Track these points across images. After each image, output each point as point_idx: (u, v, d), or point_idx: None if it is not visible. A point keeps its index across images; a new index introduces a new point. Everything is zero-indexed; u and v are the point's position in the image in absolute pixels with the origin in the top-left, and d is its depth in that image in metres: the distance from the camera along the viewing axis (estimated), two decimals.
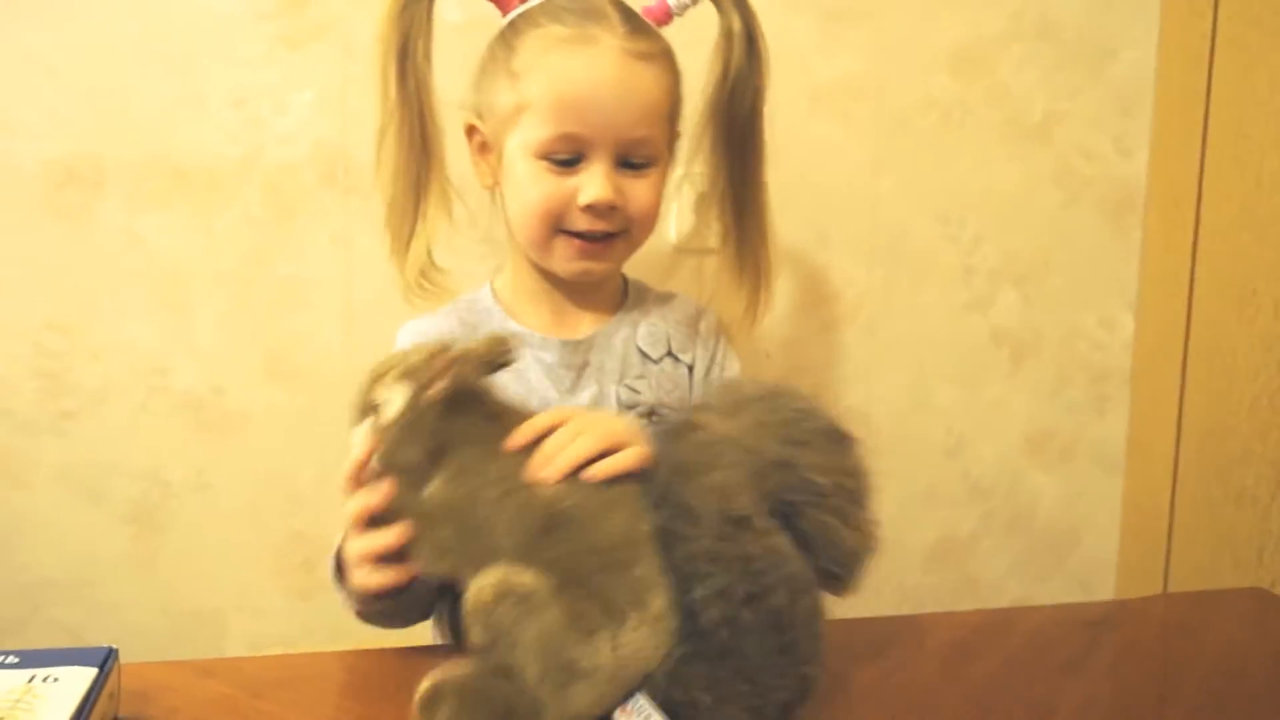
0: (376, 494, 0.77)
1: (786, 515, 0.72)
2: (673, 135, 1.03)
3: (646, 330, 1.06)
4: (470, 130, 1.03)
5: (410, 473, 0.76)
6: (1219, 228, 1.41)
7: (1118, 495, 1.54)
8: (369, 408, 0.79)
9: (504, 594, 0.71)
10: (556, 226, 0.97)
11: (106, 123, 1.27)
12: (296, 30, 1.29)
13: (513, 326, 1.01)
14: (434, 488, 0.75)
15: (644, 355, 1.05)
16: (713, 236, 1.12)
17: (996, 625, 0.92)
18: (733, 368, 1.09)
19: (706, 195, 1.10)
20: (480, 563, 0.73)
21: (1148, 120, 1.45)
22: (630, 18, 0.98)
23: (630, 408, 1.02)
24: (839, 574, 0.73)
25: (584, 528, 0.73)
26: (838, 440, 0.74)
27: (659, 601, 0.71)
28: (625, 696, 0.72)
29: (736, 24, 1.02)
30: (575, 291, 1.04)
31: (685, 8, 1.03)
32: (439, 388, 0.75)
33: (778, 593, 0.70)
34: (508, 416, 0.78)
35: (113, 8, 1.25)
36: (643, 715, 0.71)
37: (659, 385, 1.04)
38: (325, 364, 1.34)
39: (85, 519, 1.33)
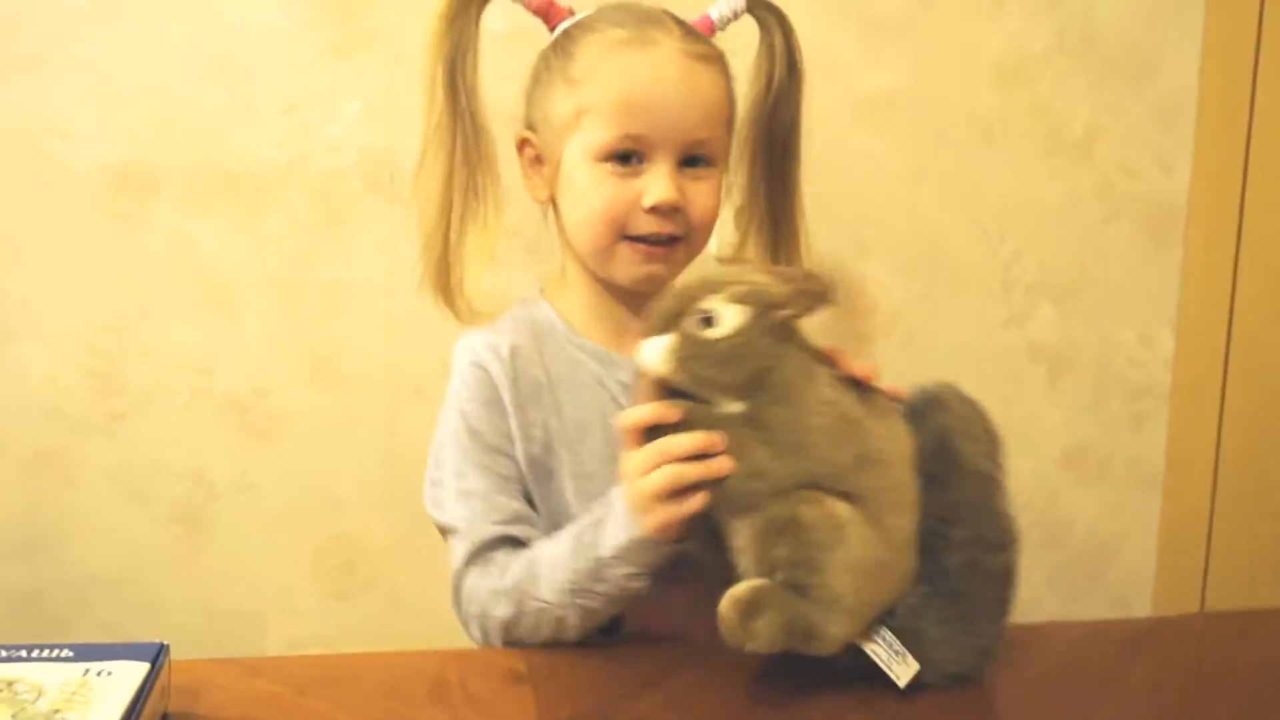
0: (672, 410, 0.79)
1: None
2: (729, 141, 1.04)
3: None
4: (522, 144, 1.01)
5: (728, 390, 0.79)
6: (1261, 245, 1.40)
7: (1155, 512, 1.54)
8: (683, 317, 0.79)
9: (823, 517, 0.77)
10: (620, 232, 0.95)
11: (160, 128, 1.30)
12: (345, 40, 1.31)
13: (580, 343, 1.01)
14: (754, 408, 0.79)
15: None
16: (750, 247, 1.12)
17: (1032, 640, 0.91)
18: None
19: (745, 207, 1.11)
20: (792, 485, 0.78)
21: (1190, 137, 1.45)
22: (685, 24, 0.99)
23: None
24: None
25: (883, 465, 0.79)
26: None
27: (912, 550, 0.81)
28: (872, 629, 0.80)
29: (778, 39, 1.02)
30: (634, 307, 1.02)
31: (728, 21, 1.04)
32: (786, 314, 0.78)
33: (1010, 550, 0.82)
34: (815, 350, 0.81)
35: (166, 17, 1.28)
36: (886, 643, 0.80)
37: None
38: (368, 368, 1.36)
39: (132, 519, 1.35)
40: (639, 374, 0.82)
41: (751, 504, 0.79)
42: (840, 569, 0.76)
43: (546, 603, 0.87)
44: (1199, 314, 1.46)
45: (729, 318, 0.78)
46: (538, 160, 1.01)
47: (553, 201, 1.02)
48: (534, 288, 1.08)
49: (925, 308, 1.45)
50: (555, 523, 0.94)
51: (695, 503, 0.79)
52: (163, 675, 0.72)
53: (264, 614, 1.39)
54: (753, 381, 0.79)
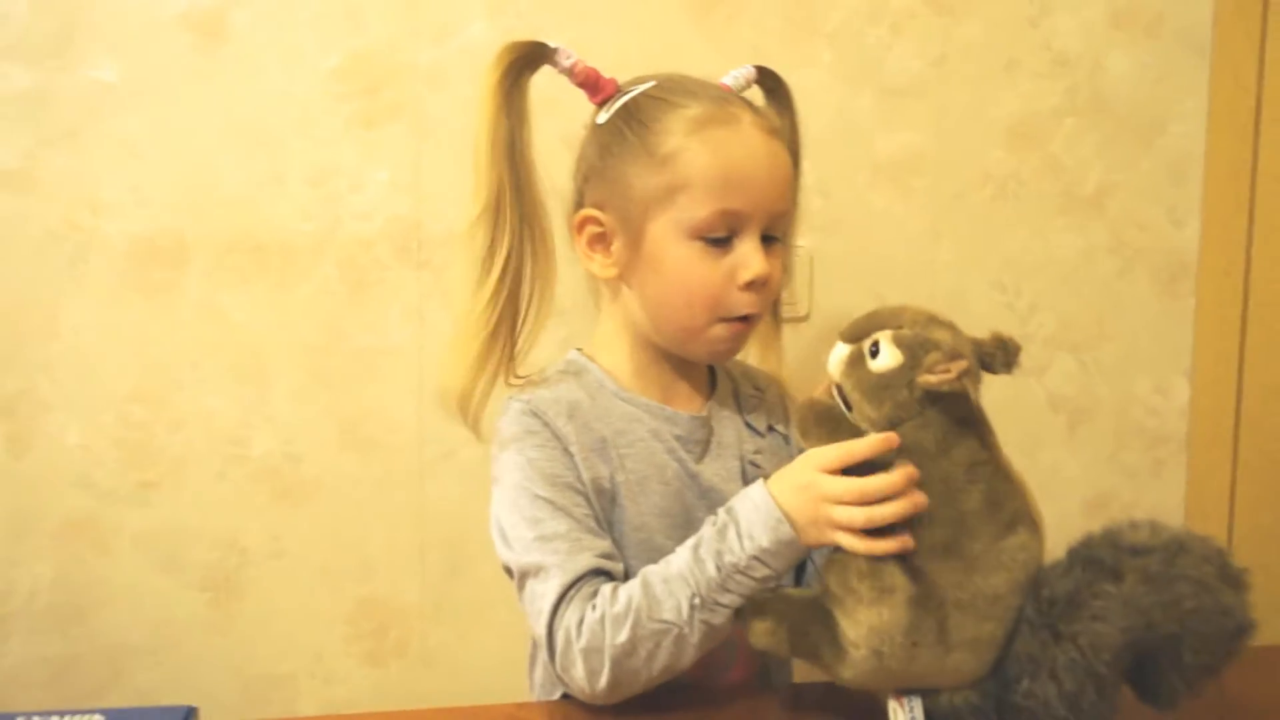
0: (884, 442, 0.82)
1: (1143, 657, 0.80)
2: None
3: (749, 404, 1.08)
4: (584, 222, 1.00)
5: (869, 423, 0.82)
6: (1268, 295, 1.43)
7: None
8: (860, 337, 0.83)
9: (873, 574, 0.78)
10: (716, 313, 0.96)
11: (189, 200, 1.32)
12: (372, 111, 1.33)
13: (632, 398, 1.01)
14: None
15: (753, 429, 1.07)
16: None
17: None
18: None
19: None
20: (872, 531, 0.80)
21: (1198, 191, 1.48)
22: (748, 102, 1.01)
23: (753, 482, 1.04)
24: (1157, 710, 0.82)
25: (973, 568, 0.79)
26: (1230, 639, 0.79)
27: (988, 656, 0.80)
28: (908, 691, 0.81)
29: (784, 113, 1.05)
30: (681, 368, 1.04)
31: (742, 90, 1.05)
32: (929, 381, 0.78)
33: None
34: (967, 425, 0.81)
35: (196, 91, 1.31)
36: (911, 712, 0.81)
37: (773, 458, 1.05)
38: (398, 433, 1.38)
39: (164, 585, 1.36)
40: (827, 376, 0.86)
41: None
42: (865, 626, 0.78)
43: (667, 623, 0.86)
44: (1212, 362, 1.49)
45: (884, 355, 0.81)
46: (601, 238, 1.00)
47: (622, 279, 1.01)
48: (567, 352, 1.09)
49: None
50: None
51: (892, 545, 0.80)
52: None
53: (296, 678, 1.39)
54: (888, 425, 0.81)
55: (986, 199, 1.45)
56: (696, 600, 0.86)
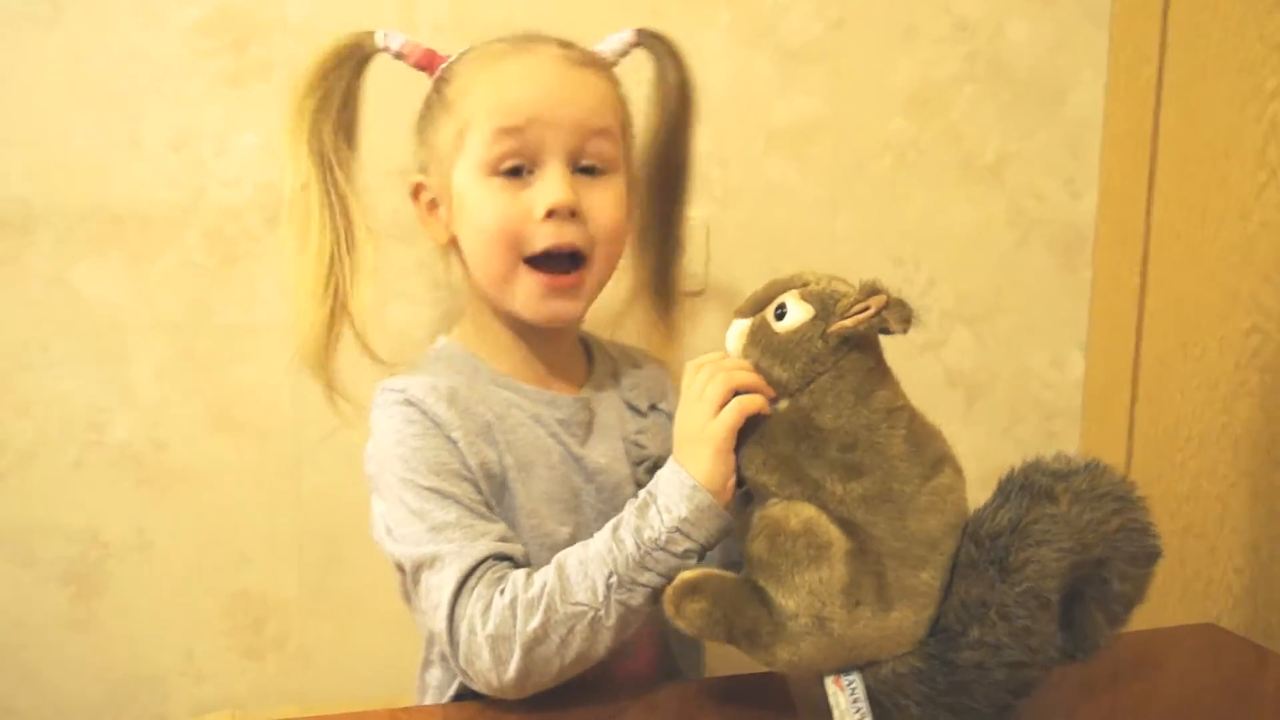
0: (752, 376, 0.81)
1: (1068, 596, 0.80)
2: (628, 150, 1.01)
3: (629, 384, 1.05)
4: (417, 190, 0.99)
5: (781, 385, 0.80)
6: (1166, 266, 1.43)
7: None
8: (760, 308, 0.82)
9: (807, 532, 0.76)
10: (518, 251, 0.92)
11: (34, 167, 1.21)
12: (237, 68, 1.24)
13: (508, 383, 0.97)
14: (791, 407, 0.80)
15: (633, 409, 1.04)
16: (633, 274, 1.10)
17: None
18: None
19: (637, 235, 1.09)
20: (799, 490, 0.78)
21: (1096, 161, 1.47)
22: (569, 41, 0.97)
23: (639, 462, 1.01)
24: (1076, 659, 0.82)
25: (905, 513, 0.77)
26: (1149, 560, 0.81)
27: (927, 611, 0.78)
28: (847, 668, 0.78)
29: (670, 70, 1.02)
30: (546, 348, 1.00)
31: (619, 55, 1.01)
32: (844, 325, 0.77)
33: (1033, 669, 0.77)
34: (881, 373, 0.81)
35: (41, 46, 1.19)
36: (853, 693, 0.78)
37: (657, 437, 1.02)
38: (272, 415, 1.29)
39: (17, 582, 1.26)
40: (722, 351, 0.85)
41: (760, 494, 0.81)
42: (804, 590, 0.76)
43: (581, 604, 0.82)
44: (1108, 335, 1.49)
45: (793, 312, 0.79)
46: (433, 204, 0.98)
47: (454, 243, 0.98)
48: (433, 337, 1.04)
49: None
50: None
51: (741, 405, 0.80)
52: None
53: (166, 678, 1.31)
54: (802, 382, 0.79)
55: (885, 168, 1.42)
56: (613, 580, 0.82)
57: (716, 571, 0.81)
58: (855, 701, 0.78)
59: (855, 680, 0.78)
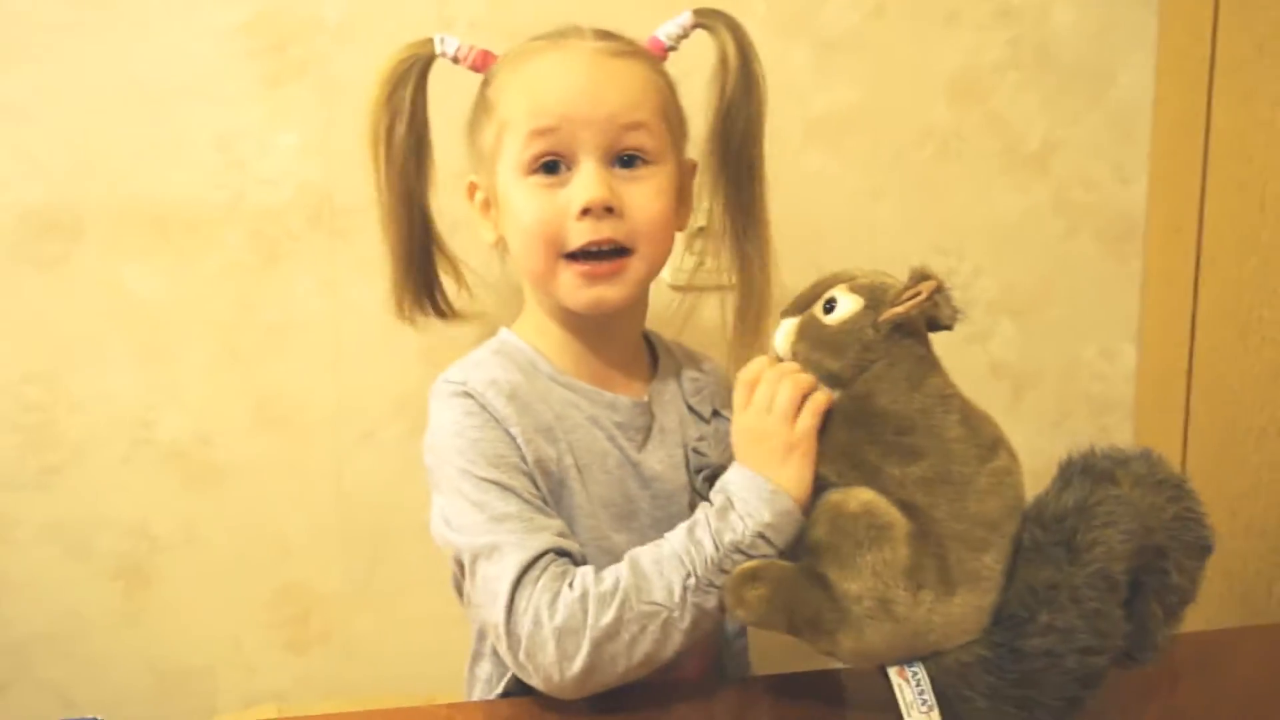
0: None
1: (1129, 586, 0.78)
2: (675, 138, 0.99)
3: (693, 388, 1.04)
4: (471, 190, 1.01)
5: (833, 378, 0.82)
6: (1221, 254, 1.39)
7: None
8: (816, 302, 0.83)
9: (867, 513, 0.77)
10: (557, 249, 0.92)
11: (83, 169, 1.24)
12: (278, 70, 1.26)
13: (569, 382, 0.97)
14: (844, 394, 0.81)
15: (696, 414, 1.03)
16: (712, 274, 1.09)
17: None
18: None
19: (707, 230, 1.08)
20: (858, 477, 0.79)
21: (1146, 147, 1.43)
22: (607, 31, 0.97)
23: (698, 470, 1.00)
24: (1138, 658, 0.81)
25: (965, 494, 0.77)
26: (1203, 552, 0.81)
27: (990, 597, 0.77)
28: (910, 659, 0.78)
29: (730, 48, 0.99)
30: (606, 342, 0.99)
31: (678, 39, 1.00)
32: (896, 312, 0.79)
33: (1104, 654, 0.76)
34: (931, 361, 0.82)
35: (87, 51, 1.22)
36: (916, 683, 0.77)
37: (719, 444, 1.01)
38: (314, 410, 1.31)
39: (71, 575, 1.29)
40: (771, 353, 0.87)
41: (819, 486, 0.82)
42: (868, 571, 0.76)
43: (656, 604, 0.81)
44: (1161, 326, 1.44)
45: (843, 304, 0.81)
46: (486, 204, 1.00)
47: (502, 241, 0.99)
48: (497, 329, 1.04)
49: None
50: None
51: (816, 407, 0.82)
52: None
53: (214, 669, 1.33)
54: (855, 371, 0.80)
55: (927, 158, 1.39)
56: (691, 581, 0.81)
57: (778, 560, 0.81)
58: (921, 693, 0.77)
59: (919, 670, 0.77)
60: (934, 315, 0.81)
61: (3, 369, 1.25)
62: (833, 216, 1.38)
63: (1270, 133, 1.31)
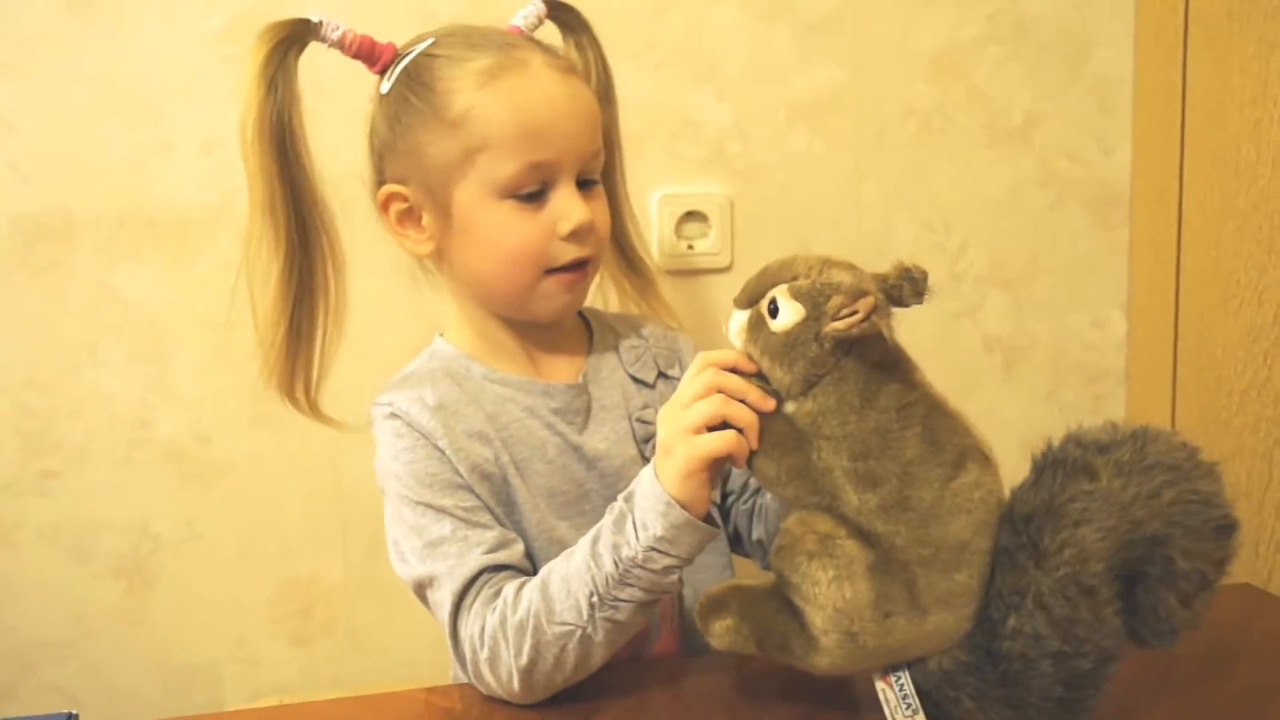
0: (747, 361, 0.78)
1: (1131, 578, 0.74)
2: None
3: (631, 357, 1.04)
4: (388, 200, 0.95)
5: (785, 388, 0.76)
6: (1201, 220, 1.40)
7: None
8: (754, 300, 0.77)
9: (822, 553, 0.72)
10: (540, 267, 0.93)
11: (73, 175, 1.24)
12: None
13: (501, 377, 0.98)
14: (797, 410, 0.76)
15: (639, 382, 1.03)
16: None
17: None
18: None
19: None
20: (818, 502, 0.74)
21: (1128, 117, 1.44)
22: (538, 40, 0.96)
23: (646, 440, 0.99)
24: (1155, 644, 0.75)
25: (927, 520, 0.72)
26: (1219, 533, 0.73)
27: (969, 609, 0.74)
28: (893, 667, 0.76)
29: (585, 42, 1.01)
30: (544, 334, 1.00)
31: (534, 28, 0.98)
32: (836, 328, 0.72)
33: (1085, 658, 0.72)
34: (889, 366, 0.74)
35: (71, 59, 1.23)
36: (901, 690, 0.75)
37: None
38: None
39: (74, 577, 1.30)
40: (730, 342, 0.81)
41: (784, 502, 0.78)
42: (830, 609, 0.72)
43: (568, 624, 0.81)
44: (1148, 293, 1.46)
45: (784, 312, 0.75)
46: (409, 214, 0.95)
47: (438, 254, 0.97)
48: (428, 335, 1.04)
49: None
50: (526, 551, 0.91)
51: (723, 441, 0.76)
52: None
53: (219, 665, 1.35)
54: (804, 386, 0.75)
55: (911, 135, 1.40)
56: (595, 599, 0.81)
57: (743, 584, 0.79)
58: (905, 697, 0.75)
59: (903, 676, 0.76)
60: (876, 329, 0.72)
61: (3, 375, 1.26)
62: (819, 196, 1.39)
63: (1242, 99, 1.31)
